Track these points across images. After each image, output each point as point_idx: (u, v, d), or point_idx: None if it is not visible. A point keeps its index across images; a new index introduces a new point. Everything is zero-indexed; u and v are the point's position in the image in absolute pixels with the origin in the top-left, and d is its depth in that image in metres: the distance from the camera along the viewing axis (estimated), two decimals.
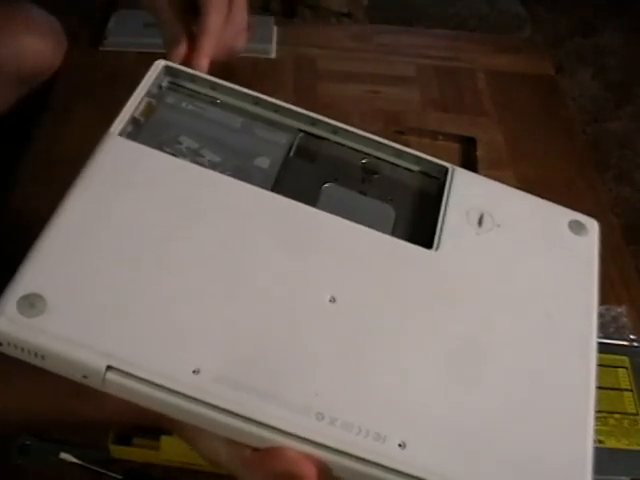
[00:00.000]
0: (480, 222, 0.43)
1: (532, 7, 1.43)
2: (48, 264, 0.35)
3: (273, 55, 0.90)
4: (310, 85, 0.87)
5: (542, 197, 0.47)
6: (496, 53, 0.98)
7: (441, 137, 0.83)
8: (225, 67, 0.86)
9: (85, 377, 0.33)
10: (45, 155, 0.74)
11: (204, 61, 0.48)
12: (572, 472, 0.35)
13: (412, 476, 0.33)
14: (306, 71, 0.89)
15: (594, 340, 0.40)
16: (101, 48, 0.88)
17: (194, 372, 0.33)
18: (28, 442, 0.52)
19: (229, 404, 0.33)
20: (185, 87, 0.46)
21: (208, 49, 0.49)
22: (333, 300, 0.37)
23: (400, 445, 0.33)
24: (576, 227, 0.45)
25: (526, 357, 0.38)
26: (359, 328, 0.37)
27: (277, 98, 0.47)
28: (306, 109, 0.47)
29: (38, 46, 0.76)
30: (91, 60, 0.86)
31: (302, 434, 0.33)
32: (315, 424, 0.33)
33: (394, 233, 0.42)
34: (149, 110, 0.44)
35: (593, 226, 0.45)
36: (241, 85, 0.47)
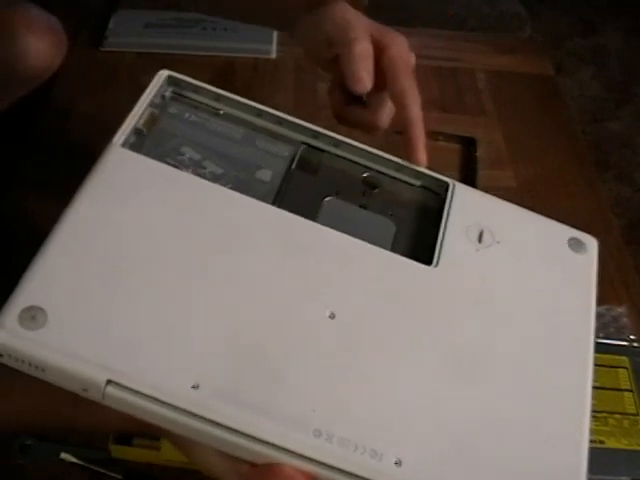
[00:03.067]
0: (480, 238, 0.43)
1: (532, 7, 1.43)
2: (50, 277, 0.35)
3: (274, 55, 0.90)
4: (310, 85, 0.87)
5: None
6: (496, 53, 0.98)
7: (441, 137, 0.83)
8: (226, 67, 0.86)
9: (85, 390, 0.33)
10: (45, 155, 0.74)
11: (424, 154, 0.47)
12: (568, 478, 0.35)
13: None
14: (306, 71, 0.89)
15: (591, 354, 0.40)
16: (101, 48, 0.88)
17: (193, 387, 0.33)
18: (28, 442, 0.52)
19: (227, 419, 0.33)
20: (188, 97, 0.46)
21: (423, 139, 0.47)
22: (333, 316, 0.37)
23: (396, 463, 0.34)
24: (575, 245, 0.45)
25: (524, 373, 0.38)
26: (358, 345, 0.37)
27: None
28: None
29: (38, 46, 0.76)
30: (91, 60, 0.86)
31: (299, 450, 0.33)
32: (312, 440, 0.33)
33: (394, 248, 0.42)
34: (152, 121, 0.43)
35: (592, 244, 0.45)
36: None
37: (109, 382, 0.33)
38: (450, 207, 0.45)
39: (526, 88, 0.92)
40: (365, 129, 0.50)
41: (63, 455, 0.51)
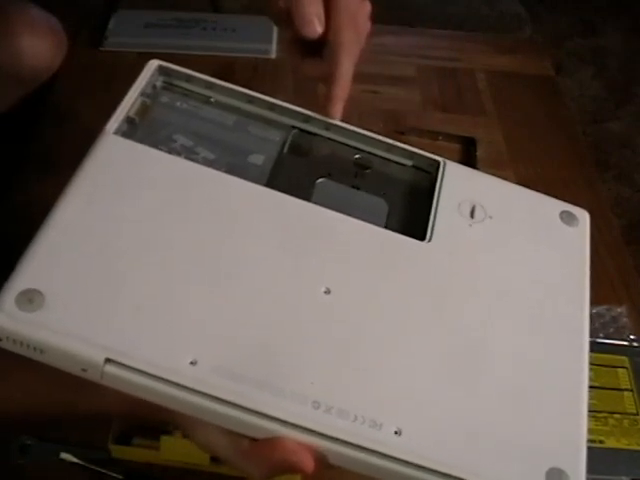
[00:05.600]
0: (472, 214, 0.44)
1: (532, 7, 1.43)
2: (46, 260, 0.35)
3: (273, 55, 0.90)
4: (310, 85, 0.87)
5: None
6: (496, 53, 0.98)
7: (441, 137, 0.83)
8: (226, 67, 0.86)
9: (84, 370, 0.33)
10: (45, 155, 0.74)
11: (338, 108, 0.47)
12: (567, 454, 0.35)
13: (408, 462, 0.33)
14: None
15: (586, 327, 0.41)
16: (101, 48, 0.88)
17: (191, 363, 0.33)
18: (28, 442, 0.52)
19: (226, 394, 0.33)
20: (179, 86, 0.46)
21: (342, 95, 0.47)
22: (328, 292, 0.38)
23: (396, 432, 0.34)
24: (567, 218, 0.45)
25: (520, 344, 0.39)
26: (354, 319, 0.37)
27: (277, 98, 0.47)
28: (306, 109, 0.47)
29: (38, 47, 0.76)
30: (91, 60, 0.86)
31: (299, 422, 0.33)
32: (311, 412, 0.33)
33: (387, 226, 0.43)
34: (143, 109, 0.44)
35: (584, 217, 0.46)
36: (241, 85, 0.47)
37: (107, 361, 0.33)
38: (442, 184, 0.45)
39: (526, 88, 0.92)
40: (324, 81, 0.49)
41: (63, 455, 0.51)
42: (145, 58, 0.45)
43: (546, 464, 0.34)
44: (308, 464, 0.33)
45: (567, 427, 0.36)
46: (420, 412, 0.35)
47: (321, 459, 0.34)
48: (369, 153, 0.47)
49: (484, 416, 0.36)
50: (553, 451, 0.35)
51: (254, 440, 0.34)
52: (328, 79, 0.47)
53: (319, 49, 0.48)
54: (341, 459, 0.34)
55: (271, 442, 0.33)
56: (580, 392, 0.38)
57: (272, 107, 0.47)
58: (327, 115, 0.46)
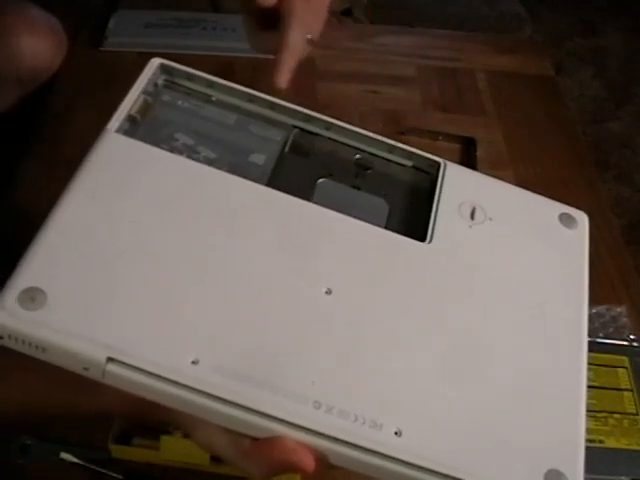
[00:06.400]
0: (472, 215, 0.44)
1: (532, 7, 1.43)
2: (48, 258, 0.35)
3: (273, 55, 0.90)
4: (310, 85, 0.87)
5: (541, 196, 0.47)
6: (496, 53, 0.98)
7: (441, 137, 0.83)
8: (226, 67, 0.86)
9: (86, 369, 0.33)
10: (45, 155, 0.74)
11: (284, 77, 0.47)
12: (566, 455, 0.35)
13: (408, 463, 0.33)
14: (306, 71, 0.89)
15: (585, 329, 0.41)
16: (101, 48, 0.88)
17: (193, 363, 0.33)
18: (28, 442, 0.52)
19: (228, 394, 0.33)
20: (181, 85, 0.46)
21: (290, 65, 0.47)
22: (329, 292, 0.38)
23: (396, 433, 0.34)
24: (566, 220, 0.45)
25: (519, 346, 0.39)
26: (355, 319, 0.37)
27: (276, 98, 0.47)
28: (304, 108, 0.47)
29: (38, 47, 0.76)
30: (91, 60, 0.86)
31: (299, 422, 0.33)
32: (312, 412, 0.33)
33: (388, 227, 0.43)
34: (145, 108, 0.44)
35: (583, 219, 0.46)
36: (241, 85, 0.47)
37: (109, 360, 0.33)
38: (442, 185, 0.45)
39: (526, 88, 0.93)
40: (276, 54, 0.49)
41: (63, 455, 0.51)
42: (145, 58, 0.45)
43: (545, 465, 0.35)
44: (308, 464, 0.33)
45: (566, 428, 0.36)
46: (420, 413, 0.35)
47: (322, 459, 0.34)
48: (370, 153, 0.47)
49: (483, 417, 0.36)
50: (552, 452, 0.35)
51: (255, 439, 0.34)
52: (278, 48, 0.47)
53: (275, 23, 0.48)
54: (341, 459, 0.34)
55: (272, 441, 0.33)
56: (579, 393, 0.38)
57: (273, 106, 0.47)
58: (272, 84, 0.46)
